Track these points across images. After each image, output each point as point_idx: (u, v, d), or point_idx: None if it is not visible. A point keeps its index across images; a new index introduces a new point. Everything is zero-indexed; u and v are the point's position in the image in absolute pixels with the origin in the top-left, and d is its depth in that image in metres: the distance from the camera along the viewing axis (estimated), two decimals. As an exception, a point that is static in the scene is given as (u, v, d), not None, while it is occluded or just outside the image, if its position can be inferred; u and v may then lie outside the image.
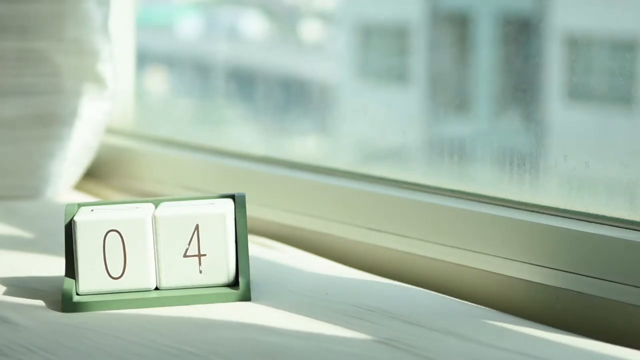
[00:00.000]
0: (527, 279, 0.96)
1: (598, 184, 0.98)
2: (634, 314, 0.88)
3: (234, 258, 0.91)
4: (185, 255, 0.90)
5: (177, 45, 2.01)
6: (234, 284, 0.91)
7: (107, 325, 0.84)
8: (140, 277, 0.90)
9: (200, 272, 0.91)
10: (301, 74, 1.69)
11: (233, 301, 0.90)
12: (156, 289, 0.91)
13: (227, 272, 0.91)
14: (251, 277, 0.93)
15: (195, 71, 1.87)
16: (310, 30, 1.82)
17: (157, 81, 1.91)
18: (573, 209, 0.97)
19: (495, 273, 0.99)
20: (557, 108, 1.18)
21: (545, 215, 0.98)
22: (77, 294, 0.89)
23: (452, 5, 1.59)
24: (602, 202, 0.97)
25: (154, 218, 0.90)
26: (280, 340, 0.80)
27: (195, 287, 0.91)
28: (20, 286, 0.95)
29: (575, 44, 1.14)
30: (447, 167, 1.15)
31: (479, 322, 0.88)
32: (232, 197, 0.94)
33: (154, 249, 0.90)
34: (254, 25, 1.88)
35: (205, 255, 0.91)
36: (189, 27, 2.03)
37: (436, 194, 1.08)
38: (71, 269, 0.90)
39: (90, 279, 0.89)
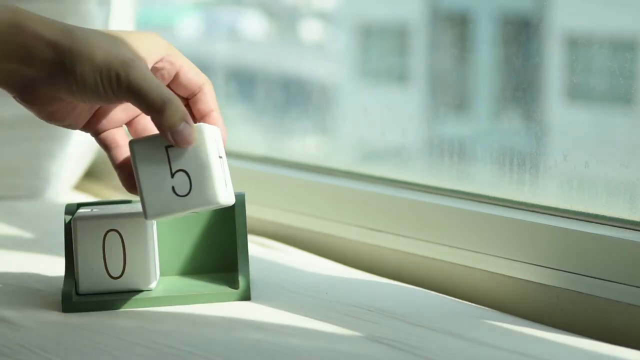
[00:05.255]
0: (527, 279, 0.96)
1: (598, 184, 0.98)
2: (634, 314, 0.88)
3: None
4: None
5: (177, 45, 2.01)
6: (233, 283, 0.91)
7: (107, 325, 0.84)
8: (140, 277, 0.90)
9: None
10: (301, 74, 1.68)
11: (233, 301, 0.90)
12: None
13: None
14: (251, 277, 0.93)
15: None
16: (310, 30, 1.82)
17: (157, 81, 1.90)
18: (573, 209, 0.96)
19: (495, 273, 0.99)
20: (557, 108, 1.18)
21: (545, 215, 0.98)
22: (77, 294, 0.89)
23: (452, 5, 1.59)
24: (602, 202, 0.97)
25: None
26: (280, 340, 0.80)
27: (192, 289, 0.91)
28: (20, 286, 0.95)
29: (575, 44, 1.14)
30: (447, 167, 1.15)
31: (479, 322, 0.88)
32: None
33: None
34: (254, 25, 1.88)
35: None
36: (189, 27, 2.03)
37: (436, 194, 1.08)
38: (71, 269, 0.90)
39: (90, 279, 0.89)
